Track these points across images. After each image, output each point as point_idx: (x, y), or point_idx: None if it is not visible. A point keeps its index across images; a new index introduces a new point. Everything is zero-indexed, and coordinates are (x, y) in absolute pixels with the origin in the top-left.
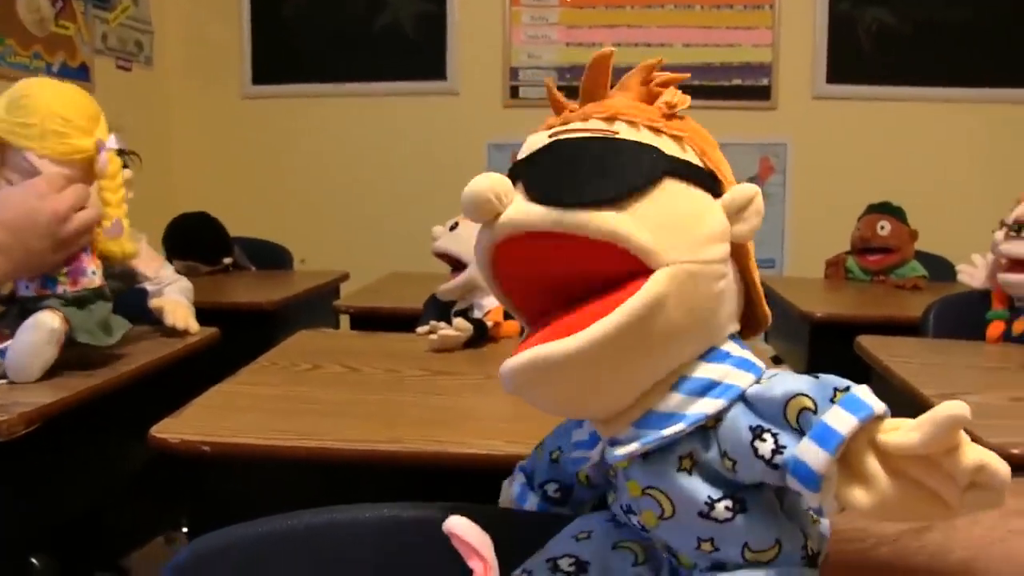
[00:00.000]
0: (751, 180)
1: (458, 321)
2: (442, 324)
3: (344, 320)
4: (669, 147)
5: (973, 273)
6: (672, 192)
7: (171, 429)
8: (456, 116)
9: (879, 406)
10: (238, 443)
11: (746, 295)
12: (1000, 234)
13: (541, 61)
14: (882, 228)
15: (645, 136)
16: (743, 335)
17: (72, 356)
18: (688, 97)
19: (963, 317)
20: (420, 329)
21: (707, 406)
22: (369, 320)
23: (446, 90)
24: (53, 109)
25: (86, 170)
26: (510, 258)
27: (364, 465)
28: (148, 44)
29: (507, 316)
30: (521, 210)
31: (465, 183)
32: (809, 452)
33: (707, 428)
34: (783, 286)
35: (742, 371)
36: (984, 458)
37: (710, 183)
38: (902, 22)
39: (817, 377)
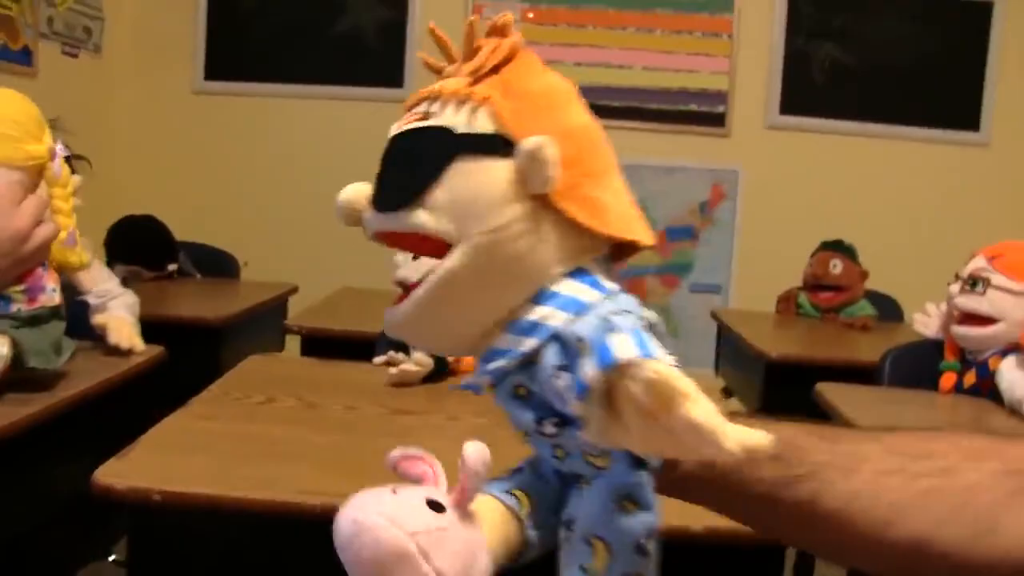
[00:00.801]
0: (702, 205)
1: (418, 356)
2: (400, 356)
3: (294, 340)
4: (465, 119)
5: (927, 323)
6: (462, 171)
7: (117, 473)
8: None
9: (657, 351)
10: (190, 493)
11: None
12: (955, 287)
13: None
14: (834, 267)
15: (447, 115)
16: (618, 257)
17: (12, 376)
18: (509, 41)
19: (917, 366)
20: (377, 359)
21: (524, 344)
22: (322, 343)
23: (402, 98)
24: (5, 113)
25: (35, 178)
26: (391, 246)
27: (324, 520)
28: (98, 31)
29: None
30: (366, 216)
31: None
32: (585, 366)
33: (532, 362)
34: (737, 321)
35: (561, 311)
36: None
37: (501, 146)
38: (855, 59)
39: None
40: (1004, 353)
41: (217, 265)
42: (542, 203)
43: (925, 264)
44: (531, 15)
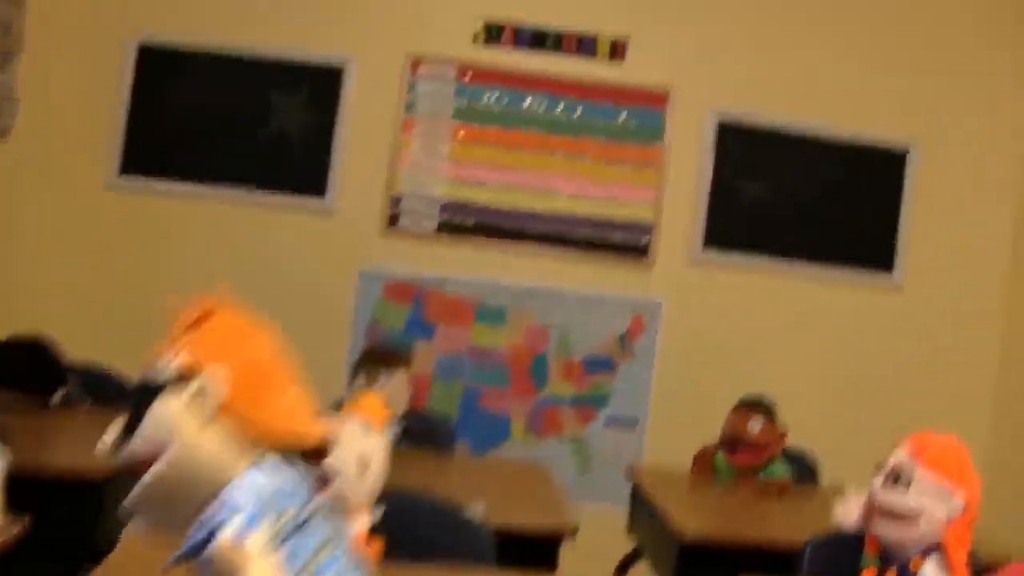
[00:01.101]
0: (622, 337)
1: None
2: None
3: None
4: (166, 367)
5: (847, 513)
6: (156, 408)
7: None
8: (331, 237)
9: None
10: None
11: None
12: (877, 480)
13: (425, 191)
14: (753, 426)
15: (159, 366)
16: (310, 455)
17: None
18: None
19: (837, 559)
20: None
21: (203, 529)
22: None
23: (323, 208)
24: None
25: None
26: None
27: None
28: (8, 113)
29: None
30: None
31: (333, 311)
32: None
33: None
34: (653, 482)
35: (232, 502)
36: None
37: (183, 382)
38: (778, 197)
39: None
40: (926, 553)
41: (114, 389)
42: (217, 418)
43: (841, 413)
44: (462, 133)
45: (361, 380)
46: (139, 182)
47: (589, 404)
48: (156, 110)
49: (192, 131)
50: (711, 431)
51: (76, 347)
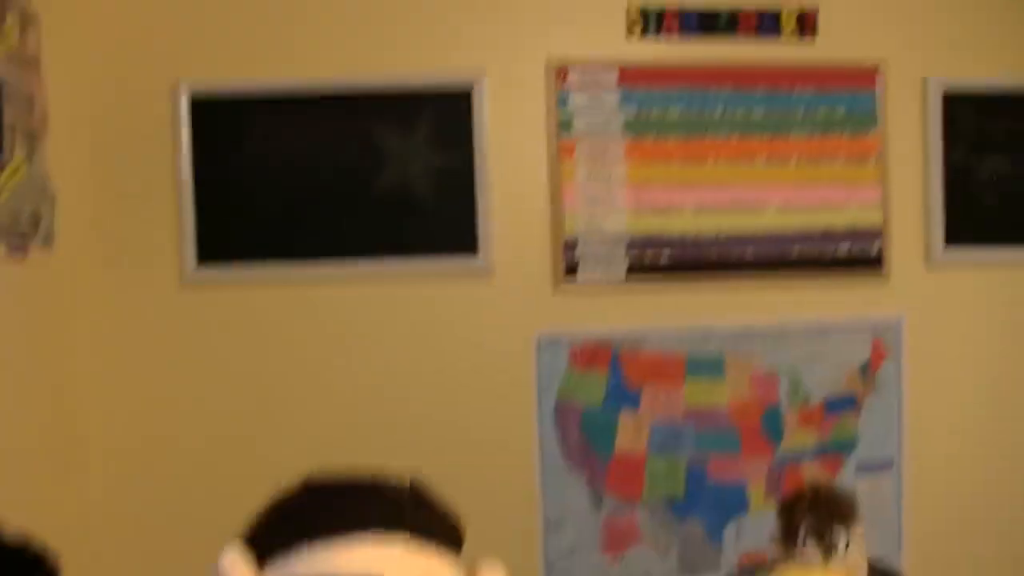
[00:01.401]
0: (862, 367)
1: None
2: None
3: None
4: None
5: None
6: None
7: None
8: (493, 304)
9: None
10: None
11: None
12: None
13: (603, 229)
14: None
15: None
16: None
17: None
18: None
19: None
20: None
21: None
22: None
23: (477, 269)
24: None
25: None
26: None
27: None
28: (48, 214)
29: None
30: None
31: (510, 395)
32: None
33: None
34: None
35: None
36: None
37: None
38: None
39: None
40: None
41: None
42: None
43: None
44: (636, 150)
45: (811, 545)
46: (225, 272)
47: (835, 451)
48: (228, 176)
49: (280, 199)
50: (975, 461)
51: None
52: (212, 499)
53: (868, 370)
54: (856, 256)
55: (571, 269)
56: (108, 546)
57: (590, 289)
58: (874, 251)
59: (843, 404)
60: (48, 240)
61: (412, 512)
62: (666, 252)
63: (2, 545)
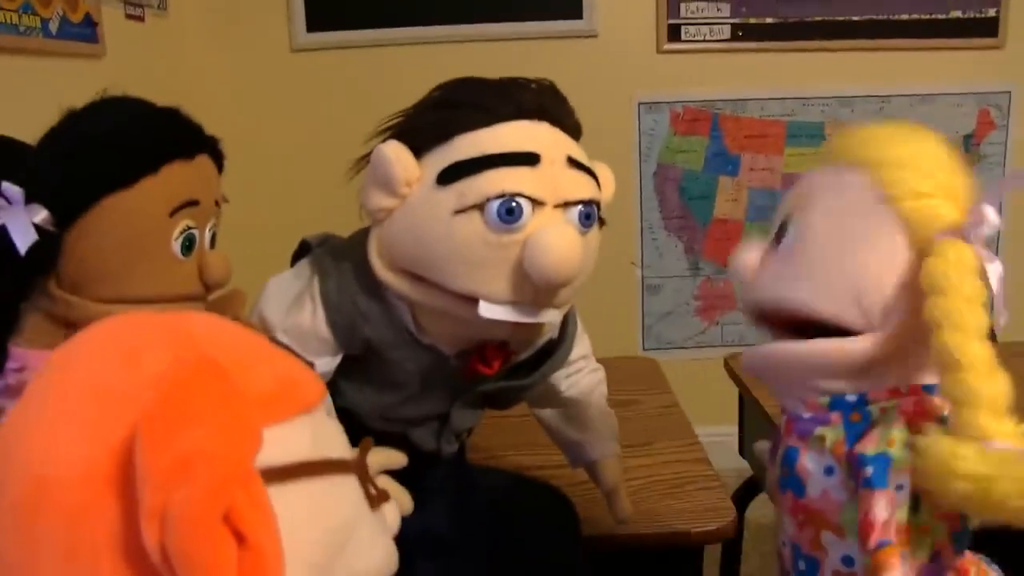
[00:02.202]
0: (966, 138)
1: None
2: None
3: None
4: None
5: None
6: None
7: None
8: (598, 65)
9: None
10: None
11: None
12: None
13: None
14: None
15: None
16: None
17: None
18: None
19: None
20: None
21: None
22: None
23: (582, 30)
24: None
25: None
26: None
27: None
28: None
29: None
30: None
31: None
32: None
33: None
34: None
35: None
36: None
37: None
38: None
39: None
40: None
41: None
42: None
43: None
44: None
45: None
46: (334, 37)
47: None
48: None
49: None
50: None
51: None
52: None
53: (972, 141)
54: (968, 22)
55: (674, 31)
56: None
57: (693, 51)
58: (990, 14)
59: None
60: (163, 5)
61: (552, 103)
62: (771, 13)
63: (157, 111)
